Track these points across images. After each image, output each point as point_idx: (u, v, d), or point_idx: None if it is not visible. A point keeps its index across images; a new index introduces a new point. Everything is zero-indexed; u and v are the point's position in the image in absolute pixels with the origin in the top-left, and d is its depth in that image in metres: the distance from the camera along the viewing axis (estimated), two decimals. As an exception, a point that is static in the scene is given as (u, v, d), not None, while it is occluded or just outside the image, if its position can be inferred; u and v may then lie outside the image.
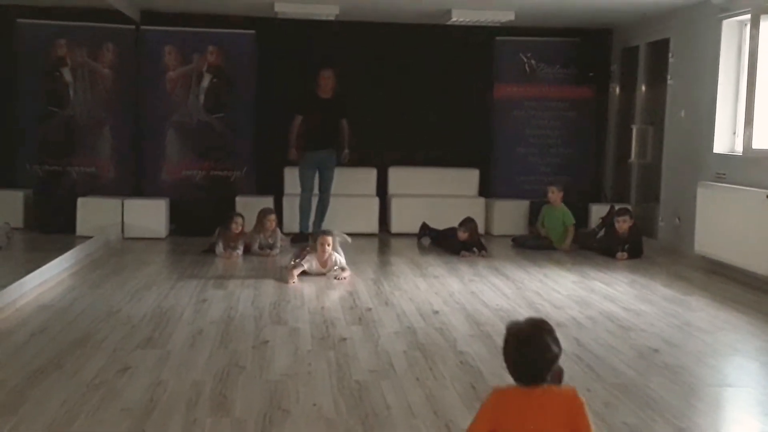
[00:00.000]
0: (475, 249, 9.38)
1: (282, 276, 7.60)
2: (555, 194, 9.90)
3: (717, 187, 8.67)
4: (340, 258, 7.94)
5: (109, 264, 8.55)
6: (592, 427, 3.03)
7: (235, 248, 9.03)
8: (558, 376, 3.12)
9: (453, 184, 11.29)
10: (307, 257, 7.82)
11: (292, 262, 7.87)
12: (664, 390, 4.82)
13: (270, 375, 4.94)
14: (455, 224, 9.58)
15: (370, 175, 11.17)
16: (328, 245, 7.87)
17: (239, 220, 9.21)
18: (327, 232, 8.15)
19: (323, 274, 7.88)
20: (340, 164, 10.36)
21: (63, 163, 10.81)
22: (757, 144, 8.25)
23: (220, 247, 9.02)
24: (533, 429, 2.99)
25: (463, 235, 9.42)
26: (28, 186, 10.69)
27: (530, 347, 3.03)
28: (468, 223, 9.51)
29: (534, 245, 9.92)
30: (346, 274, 7.86)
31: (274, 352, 5.42)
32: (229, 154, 11.07)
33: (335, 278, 7.78)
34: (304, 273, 7.79)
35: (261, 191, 10.91)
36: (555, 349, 3.05)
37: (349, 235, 9.95)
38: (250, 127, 11.11)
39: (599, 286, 7.88)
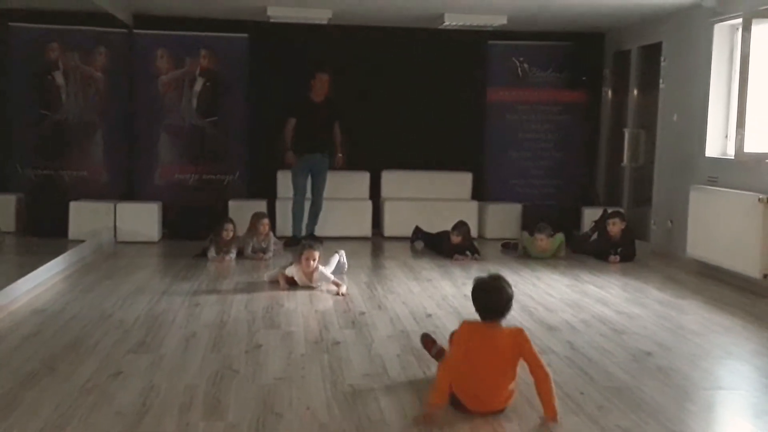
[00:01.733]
0: (468, 252, 9.38)
1: (271, 286, 7.48)
2: (544, 242, 9.51)
3: (709, 190, 8.69)
4: (326, 273, 7.59)
5: (101, 268, 8.53)
6: (537, 353, 4.37)
7: (227, 252, 9.02)
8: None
9: (446, 187, 11.30)
10: (291, 266, 7.57)
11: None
12: (657, 393, 4.83)
13: (263, 379, 4.93)
14: (448, 228, 9.58)
15: (363, 178, 11.16)
16: (313, 260, 7.45)
17: (230, 227, 9.17)
18: (314, 246, 7.62)
19: (310, 287, 7.52)
20: (333, 168, 10.34)
21: (55, 166, 10.80)
22: (749, 147, 8.26)
23: (212, 252, 9.00)
24: (492, 349, 4.33)
25: (456, 238, 9.42)
26: (20, 190, 10.68)
27: (495, 293, 4.37)
28: (461, 226, 9.51)
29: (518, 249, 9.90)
30: (344, 289, 7.42)
31: (268, 356, 5.41)
32: (222, 157, 11.07)
33: (338, 294, 7.36)
34: (294, 283, 7.56)
35: (254, 195, 10.90)
36: (510, 292, 4.39)
37: (342, 239, 9.99)
38: (242, 130, 11.11)
39: (592, 289, 7.89)
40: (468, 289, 7.56)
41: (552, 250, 9.56)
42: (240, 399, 4.55)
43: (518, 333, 4.40)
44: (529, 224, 10.37)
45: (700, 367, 5.44)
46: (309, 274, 7.53)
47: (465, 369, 4.36)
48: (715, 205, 8.46)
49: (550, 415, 4.30)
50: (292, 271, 7.56)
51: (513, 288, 4.45)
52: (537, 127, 11.72)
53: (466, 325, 4.50)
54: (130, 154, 10.98)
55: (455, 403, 4.40)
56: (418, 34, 11.26)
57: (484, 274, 4.57)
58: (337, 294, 7.33)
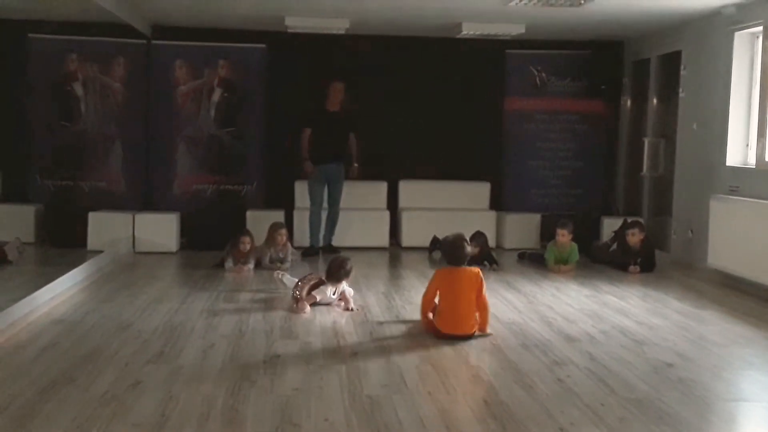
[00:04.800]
0: (486, 263, 9.34)
1: (292, 307, 7.14)
2: (566, 237, 9.46)
3: (730, 200, 8.63)
4: (350, 291, 7.38)
5: (120, 278, 8.55)
6: (485, 292, 6.27)
7: (245, 263, 9.02)
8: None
9: (464, 197, 11.27)
10: (321, 288, 7.23)
11: (297, 293, 7.26)
12: (678, 404, 4.78)
13: (281, 389, 4.91)
14: (466, 237, 9.51)
15: (380, 188, 11.15)
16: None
17: (246, 239, 9.13)
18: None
19: (329, 304, 7.26)
20: (348, 178, 10.34)
21: (74, 177, 10.86)
22: (770, 156, 8.21)
23: (230, 263, 9.01)
24: (459, 285, 6.17)
25: (473, 249, 9.35)
26: (40, 200, 10.73)
27: (459, 248, 6.31)
28: (478, 237, 9.44)
29: (535, 258, 9.86)
30: (352, 305, 7.20)
31: (286, 367, 5.40)
32: (240, 168, 11.10)
33: (348, 309, 7.14)
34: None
35: (271, 205, 10.91)
36: (469, 249, 6.43)
37: (360, 249, 9.98)
38: (260, 141, 11.14)
39: (612, 299, 7.84)
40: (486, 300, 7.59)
41: (570, 250, 9.47)
42: (258, 410, 4.54)
43: (478, 273, 6.27)
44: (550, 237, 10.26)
45: (721, 379, 5.39)
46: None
47: (442, 301, 6.19)
48: (736, 215, 8.39)
49: (484, 327, 6.25)
50: (320, 294, 7.18)
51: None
52: (555, 136, 11.68)
53: (438, 270, 6.39)
54: (149, 164, 11.03)
55: (437, 334, 6.14)
56: (435, 43, 11.26)
57: (449, 235, 6.56)
58: (347, 310, 7.16)
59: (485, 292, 6.28)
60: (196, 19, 10.51)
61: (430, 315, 6.34)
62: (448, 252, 6.39)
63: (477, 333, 6.19)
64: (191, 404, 4.60)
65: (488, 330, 6.30)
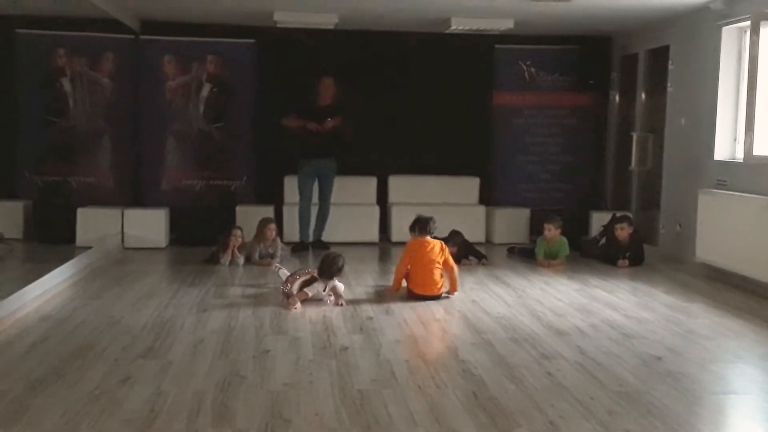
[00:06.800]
0: (470, 257, 9.33)
1: (282, 303, 7.14)
2: (552, 231, 9.47)
3: (718, 194, 8.65)
4: (341, 286, 7.39)
5: (109, 274, 8.52)
6: (450, 258, 7.56)
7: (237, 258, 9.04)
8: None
9: (453, 192, 11.26)
10: (313, 284, 7.24)
11: (288, 287, 7.24)
12: (667, 397, 4.80)
13: (271, 385, 4.91)
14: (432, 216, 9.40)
15: (370, 183, 11.14)
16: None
17: (237, 232, 9.16)
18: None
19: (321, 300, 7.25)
20: (320, 128, 10.12)
21: (63, 173, 10.81)
22: (758, 151, 8.22)
23: (225, 258, 8.99)
24: (427, 253, 7.35)
25: (452, 249, 9.27)
26: (28, 196, 10.67)
27: (425, 223, 7.55)
28: (454, 237, 9.25)
29: (524, 253, 9.87)
30: (343, 300, 7.22)
31: (276, 362, 5.39)
32: (229, 163, 11.08)
33: (338, 305, 7.14)
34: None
35: (261, 200, 10.90)
36: (434, 225, 7.59)
37: (349, 244, 9.97)
38: (249, 136, 11.11)
39: (601, 293, 7.86)
40: (475, 294, 7.66)
41: (560, 244, 9.49)
42: (248, 405, 4.54)
43: (442, 244, 7.56)
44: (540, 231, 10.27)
45: (710, 372, 5.41)
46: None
47: (413, 267, 7.36)
48: (724, 209, 8.42)
49: (454, 288, 7.48)
50: (313, 291, 7.20)
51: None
52: (544, 131, 11.69)
53: (410, 242, 7.56)
54: (137, 159, 10.99)
55: (411, 294, 7.36)
56: (424, 38, 11.25)
57: (419, 214, 7.81)
58: (337, 305, 7.16)
59: (451, 259, 7.55)
60: (184, 14, 10.48)
61: (404, 282, 7.52)
62: (418, 226, 7.60)
63: (444, 294, 7.43)
64: (181, 400, 4.59)
65: (458, 290, 7.52)
